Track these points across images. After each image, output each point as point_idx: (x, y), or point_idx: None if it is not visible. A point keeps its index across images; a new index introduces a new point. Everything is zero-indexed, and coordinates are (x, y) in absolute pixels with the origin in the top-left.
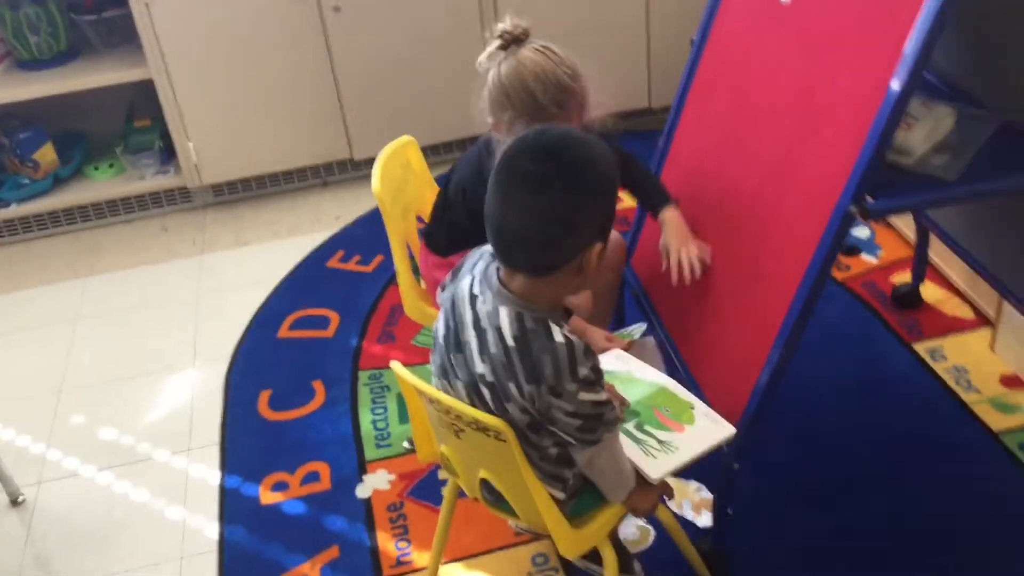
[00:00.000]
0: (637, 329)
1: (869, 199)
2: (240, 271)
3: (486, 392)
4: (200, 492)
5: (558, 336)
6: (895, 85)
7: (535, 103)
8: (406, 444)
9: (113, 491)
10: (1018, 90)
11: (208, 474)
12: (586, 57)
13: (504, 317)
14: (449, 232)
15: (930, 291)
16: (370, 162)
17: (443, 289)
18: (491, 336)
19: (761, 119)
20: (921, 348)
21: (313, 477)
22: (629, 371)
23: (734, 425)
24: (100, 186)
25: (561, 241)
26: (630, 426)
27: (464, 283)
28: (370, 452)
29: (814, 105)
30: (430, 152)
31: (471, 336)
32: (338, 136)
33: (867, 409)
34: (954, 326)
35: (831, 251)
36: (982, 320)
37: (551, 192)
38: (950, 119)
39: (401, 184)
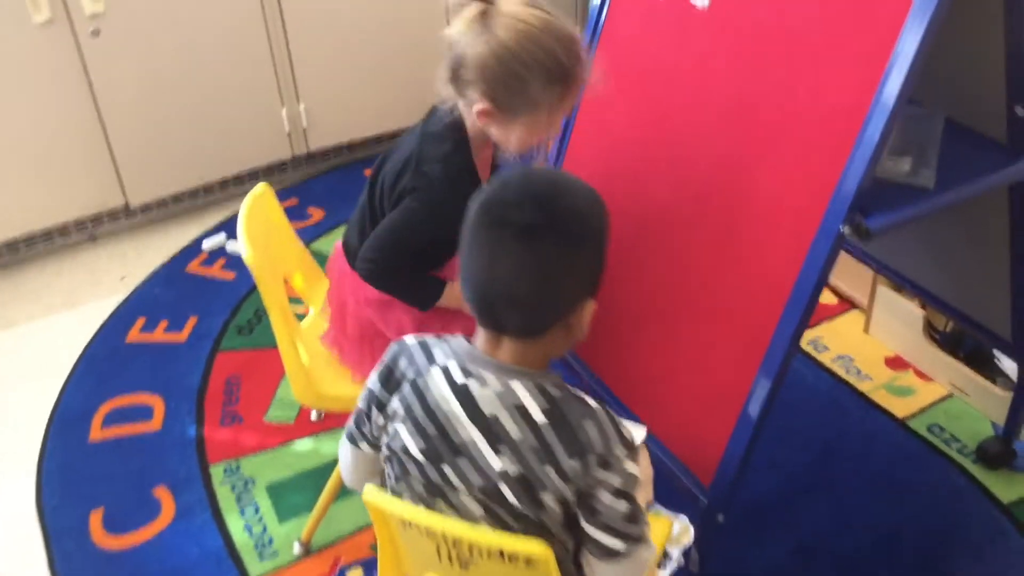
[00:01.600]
0: None
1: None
2: (15, 361)
3: (509, 492)
4: None
5: (590, 400)
6: (892, 89)
7: (559, 66)
8: (297, 548)
9: None
10: (957, 86)
11: None
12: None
13: (523, 391)
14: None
15: None
16: (147, 208)
17: (377, 403)
18: (508, 419)
19: (685, 139)
20: (802, 341)
21: None
22: None
23: (712, 472)
24: None
25: (556, 297)
26: None
27: (435, 377)
28: (254, 567)
29: (759, 121)
30: (218, 189)
31: (472, 432)
32: (107, 181)
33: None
34: (823, 313)
35: (822, 274)
36: (845, 304)
37: (544, 244)
38: None
39: (266, 244)
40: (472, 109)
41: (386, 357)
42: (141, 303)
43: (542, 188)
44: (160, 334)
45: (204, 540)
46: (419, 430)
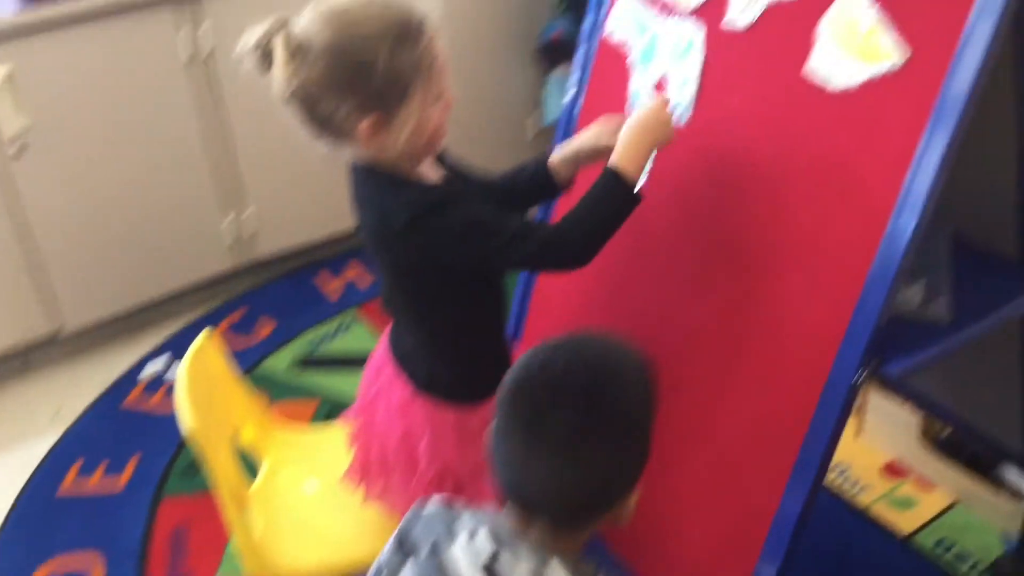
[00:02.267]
0: None
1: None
2: None
3: None
4: None
5: None
6: (910, 216)
7: (403, 25)
8: None
9: None
10: (963, 196)
11: None
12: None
13: (560, 572)
14: (452, 354)
15: None
16: (83, 333)
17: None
18: None
19: (670, 269)
20: None
21: None
22: None
23: None
24: None
25: (599, 498)
26: None
27: (457, 551)
28: None
29: (752, 251)
30: (157, 307)
31: None
32: (39, 305)
33: None
34: None
35: (838, 427)
36: None
37: (587, 448)
38: None
39: (210, 403)
40: (363, 139)
41: (402, 522)
42: (77, 443)
43: (587, 377)
44: (98, 479)
45: None
46: None
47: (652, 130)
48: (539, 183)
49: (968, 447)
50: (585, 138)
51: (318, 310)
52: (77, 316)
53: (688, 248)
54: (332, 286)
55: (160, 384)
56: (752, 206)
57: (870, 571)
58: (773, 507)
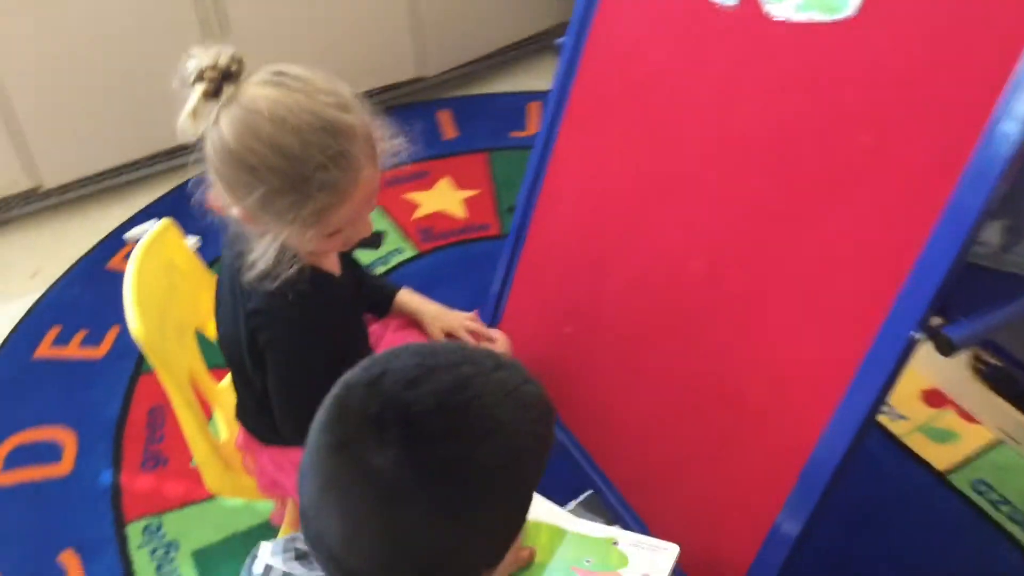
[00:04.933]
0: None
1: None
2: None
3: None
4: None
5: None
6: (1006, 143)
7: (298, 167)
8: None
9: None
10: None
11: None
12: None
13: None
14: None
15: None
16: (63, 189)
17: None
18: None
19: (700, 184)
20: None
21: None
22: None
23: None
24: None
25: None
26: None
27: None
28: None
29: (804, 167)
30: (146, 164)
31: None
32: (16, 159)
33: None
34: None
35: (883, 391)
36: None
37: (415, 511)
38: None
39: (167, 300)
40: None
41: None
42: (56, 307)
43: (427, 407)
44: (75, 348)
45: None
46: None
47: None
48: (380, 306)
49: (1020, 383)
50: (425, 310)
51: None
52: (57, 172)
53: (729, 154)
54: None
55: None
56: (812, 110)
57: (903, 508)
58: (804, 452)
